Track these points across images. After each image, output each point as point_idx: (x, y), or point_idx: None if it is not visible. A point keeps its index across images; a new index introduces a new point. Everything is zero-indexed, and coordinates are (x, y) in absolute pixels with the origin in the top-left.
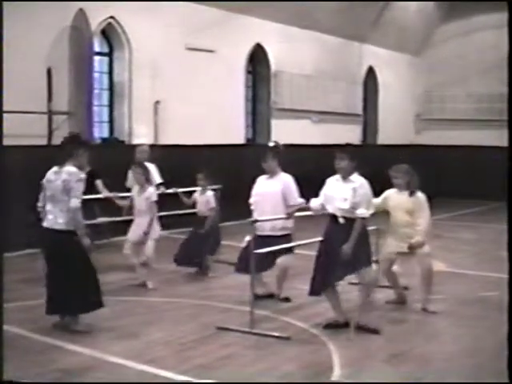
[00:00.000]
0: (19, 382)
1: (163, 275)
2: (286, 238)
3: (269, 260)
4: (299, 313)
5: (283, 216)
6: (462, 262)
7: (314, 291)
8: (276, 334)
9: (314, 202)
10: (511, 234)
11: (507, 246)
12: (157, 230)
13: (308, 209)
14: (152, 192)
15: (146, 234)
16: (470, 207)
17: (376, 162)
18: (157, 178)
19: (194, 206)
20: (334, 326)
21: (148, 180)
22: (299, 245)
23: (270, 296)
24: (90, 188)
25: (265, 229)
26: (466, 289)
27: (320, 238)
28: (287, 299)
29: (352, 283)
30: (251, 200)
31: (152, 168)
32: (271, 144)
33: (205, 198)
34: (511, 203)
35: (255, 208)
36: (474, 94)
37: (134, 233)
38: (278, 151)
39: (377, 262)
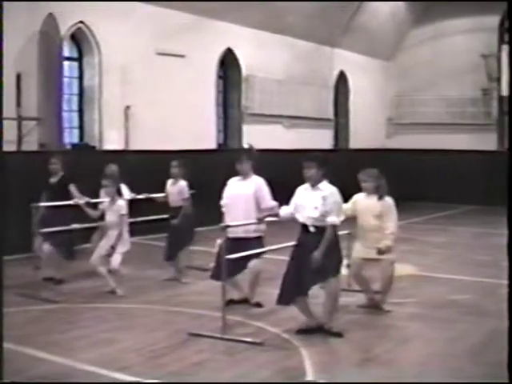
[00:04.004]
0: (19, 382)
1: (135, 281)
2: (259, 239)
3: (241, 263)
4: (271, 318)
5: (254, 219)
6: (434, 265)
7: (283, 301)
8: (248, 339)
9: (284, 211)
10: (511, 236)
11: (507, 246)
12: (126, 243)
13: (277, 216)
14: (122, 205)
15: (114, 247)
16: (441, 210)
17: (348, 167)
18: (126, 195)
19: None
20: (306, 331)
21: (119, 192)
22: (272, 250)
23: (246, 301)
24: (63, 193)
25: (237, 231)
26: (438, 292)
27: (292, 243)
28: (259, 304)
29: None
30: (223, 202)
31: (122, 186)
32: (246, 146)
33: (177, 188)
34: (511, 206)
35: (227, 211)
36: (445, 98)
37: (103, 246)
38: (252, 154)
39: (348, 266)
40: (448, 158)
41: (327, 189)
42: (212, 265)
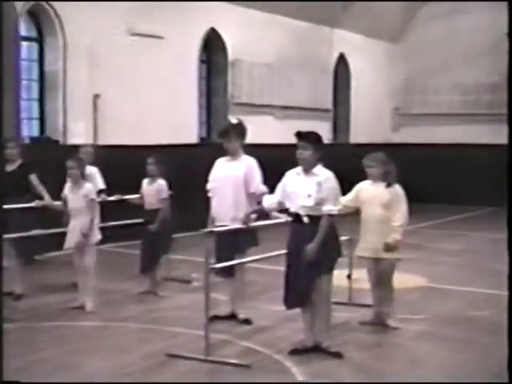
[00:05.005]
0: (19, 382)
1: (105, 295)
2: (251, 230)
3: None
4: (261, 336)
5: (245, 205)
6: (447, 276)
7: (290, 303)
8: (234, 361)
9: (269, 200)
10: (511, 236)
11: (507, 245)
12: (97, 234)
13: (262, 210)
14: (90, 188)
15: (87, 236)
16: (454, 213)
17: (348, 163)
18: (100, 183)
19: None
20: (300, 352)
21: (83, 175)
22: (263, 258)
23: (233, 317)
24: (22, 184)
25: (223, 219)
26: (451, 307)
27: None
28: (248, 321)
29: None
30: (209, 185)
31: (95, 172)
32: (234, 121)
33: (155, 188)
34: (511, 206)
35: (213, 195)
36: (459, 84)
37: (70, 238)
38: (242, 130)
39: (349, 277)
40: (463, 154)
41: (322, 173)
42: (194, 275)
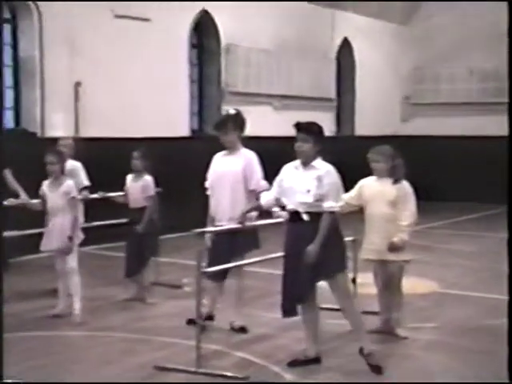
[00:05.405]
0: (20, 383)
1: (86, 302)
2: (251, 231)
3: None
4: (258, 346)
5: (244, 203)
6: (459, 280)
7: (287, 311)
8: (229, 373)
9: (266, 197)
10: (511, 236)
11: (507, 247)
12: (79, 234)
13: (261, 208)
14: (71, 185)
15: (71, 238)
16: (469, 212)
17: (352, 158)
18: (84, 179)
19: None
20: (301, 363)
21: (64, 171)
22: (259, 261)
23: (210, 318)
24: None
25: (221, 219)
26: (465, 314)
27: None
28: (243, 329)
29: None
30: (207, 183)
31: (78, 167)
32: (232, 111)
33: (140, 184)
34: (511, 205)
35: (211, 193)
36: (477, 70)
37: (50, 239)
38: (240, 121)
39: (354, 281)
40: (479, 147)
41: (323, 167)
42: (185, 280)
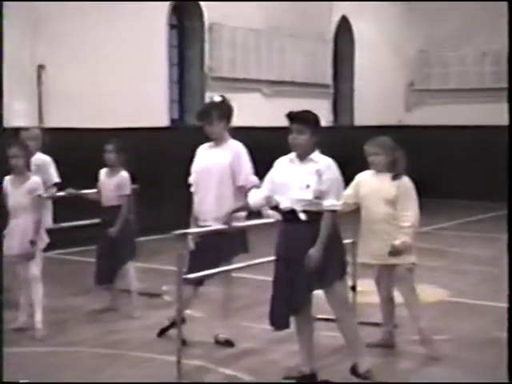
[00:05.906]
0: (19, 382)
1: (51, 314)
2: (239, 233)
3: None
4: (246, 361)
5: (232, 200)
6: (473, 288)
7: (279, 322)
8: None
9: (255, 196)
10: (511, 236)
11: (507, 247)
12: (44, 238)
13: (248, 208)
14: (37, 182)
15: (34, 243)
16: (483, 212)
17: (351, 150)
18: (54, 175)
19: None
20: (295, 379)
21: (29, 166)
22: (247, 266)
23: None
24: None
25: (206, 219)
26: (479, 326)
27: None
28: (229, 343)
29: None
30: (190, 179)
31: (47, 162)
32: (217, 99)
33: (115, 180)
34: (511, 205)
35: (196, 190)
36: (490, 53)
37: (12, 242)
38: (227, 110)
39: (353, 289)
40: (493, 138)
41: (322, 161)
42: (164, 288)
